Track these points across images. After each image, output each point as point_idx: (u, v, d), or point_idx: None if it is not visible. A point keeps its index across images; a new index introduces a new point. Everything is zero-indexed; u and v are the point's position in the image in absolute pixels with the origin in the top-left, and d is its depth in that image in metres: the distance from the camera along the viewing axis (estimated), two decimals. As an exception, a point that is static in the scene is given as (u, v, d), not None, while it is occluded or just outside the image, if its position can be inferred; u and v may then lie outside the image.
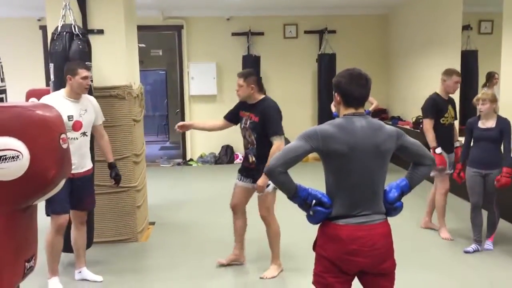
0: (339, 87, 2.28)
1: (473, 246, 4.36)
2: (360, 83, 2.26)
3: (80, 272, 3.91)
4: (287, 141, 8.43)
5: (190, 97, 9.10)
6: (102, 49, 4.44)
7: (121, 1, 4.50)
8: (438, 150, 4.54)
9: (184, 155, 9.30)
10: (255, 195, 3.85)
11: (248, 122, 3.81)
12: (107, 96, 4.49)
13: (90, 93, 4.08)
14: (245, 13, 8.87)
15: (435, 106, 4.69)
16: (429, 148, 4.44)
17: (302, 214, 2.29)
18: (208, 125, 4.40)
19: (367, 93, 2.30)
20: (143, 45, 11.57)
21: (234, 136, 9.08)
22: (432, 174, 4.53)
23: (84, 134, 3.68)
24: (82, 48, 3.97)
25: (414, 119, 7.68)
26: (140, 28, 8.80)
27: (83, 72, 3.61)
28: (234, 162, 9.00)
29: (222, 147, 9.15)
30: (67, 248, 3.95)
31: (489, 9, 7.18)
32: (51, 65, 3.98)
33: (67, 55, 3.89)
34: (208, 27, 8.99)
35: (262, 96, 3.84)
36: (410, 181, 2.36)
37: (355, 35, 9.16)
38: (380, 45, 9.31)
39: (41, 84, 7.61)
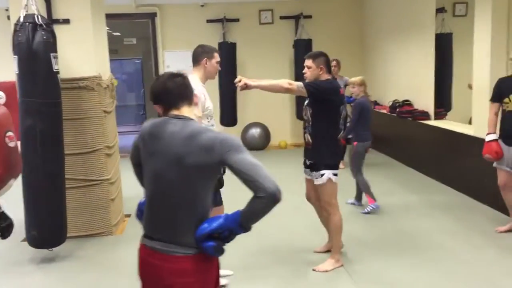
0: (156, 92, 2.02)
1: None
2: (176, 82, 2.00)
3: None
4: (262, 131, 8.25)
5: (166, 86, 8.96)
6: (68, 39, 4.31)
7: (87, -11, 4.36)
8: (489, 137, 4.20)
9: (161, 145, 9.19)
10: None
11: (306, 101, 3.70)
12: (75, 87, 4.37)
13: (58, 84, 3.97)
14: (219, -1, 8.74)
15: (499, 88, 4.22)
16: None
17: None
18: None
19: (185, 93, 2.00)
20: (118, 34, 11.37)
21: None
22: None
23: None
24: (47, 39, 3.82)
25: (390, 103, 7.69)
26: (112, 16, 8.65)
27: (218, 56, 3.48)
28: (213, 151, 8.93)
29: (200, 135, 9.06)
30: (37, 243, 3.90)
31: (464, -9, 7.18)
32: (15, 57, 3.85)
33: (30, 47, 3.75)
34: (182, 14, 8.84)
35: (327, 77, 3.68)
36: (242, 215, 1.81)
37: (331, 20, 9.10)
38: (356, 30, 9.27)
39: (11, 76, 7.39)
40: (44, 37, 3.80)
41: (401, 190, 5.89)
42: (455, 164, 5.81)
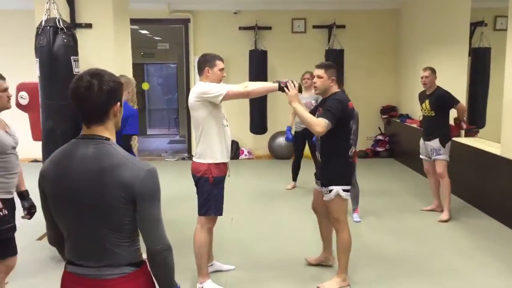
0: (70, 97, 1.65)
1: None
2: (81, 85, 1.60)
3: (212, 265, 3.90)
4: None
5: (196, 91, 9.03)
6: (90, 44, 4.41)
7: (110, -5, 4.46)
8: None
9: (189, 150, 9.26)
10: None
11: (317, 116, 3.56)
12: (95, 91, 4.44)
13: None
14: (252, 7, 8.75)
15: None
16: None
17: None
18: None
19: (97, 103, 1.61)
20: (159, 38, 11.57)
21: (240, 132, 9.01)
22: None
23: None
24: (67, 42, 3.91)
25: (421, 118, 7.45)
26: (146, 21, 8.83)
27: (220, 64, 3.49)
28: (239, 158, 8.92)
29: (228, 142, 9.06)
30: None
31: (505, 4, 6.93)
32: (36, 60, 3.95)
33: (51, 50, 3.85)
34: (215, 21, 8.91)
35: (337, 90, 3.56)
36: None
37: (364, 30, 8.96)
38: (390, 41, 9.08)
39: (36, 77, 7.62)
40: (65, 40, 3.89)
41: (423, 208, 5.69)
42: (480, 185, 5.57)
